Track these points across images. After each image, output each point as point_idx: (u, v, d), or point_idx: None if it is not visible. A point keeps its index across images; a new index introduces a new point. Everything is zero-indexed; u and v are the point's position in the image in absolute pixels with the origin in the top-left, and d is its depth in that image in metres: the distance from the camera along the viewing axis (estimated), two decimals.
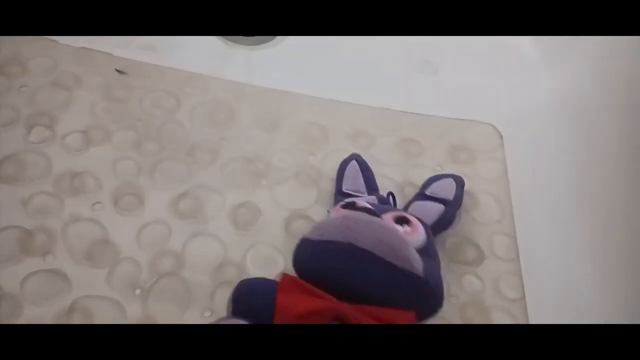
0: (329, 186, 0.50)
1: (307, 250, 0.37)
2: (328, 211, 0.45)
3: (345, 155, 0.52)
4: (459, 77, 0.60)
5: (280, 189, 0.49)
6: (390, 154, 0.53)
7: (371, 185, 0.47)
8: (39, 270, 0.41)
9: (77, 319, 0.39)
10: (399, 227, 0.38)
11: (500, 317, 0.43)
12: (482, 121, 0.57)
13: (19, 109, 0.50)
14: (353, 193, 0.46)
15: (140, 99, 0.54)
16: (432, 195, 0.46)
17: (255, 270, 0.43)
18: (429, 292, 0.36)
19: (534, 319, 0.43)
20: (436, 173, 0.51)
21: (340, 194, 0.47)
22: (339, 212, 0.40)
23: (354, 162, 0.48)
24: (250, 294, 0.38)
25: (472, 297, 0.44)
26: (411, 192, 0.49)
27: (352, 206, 0.40)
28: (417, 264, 0.35)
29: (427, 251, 0.39)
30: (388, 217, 0.39)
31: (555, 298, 0.43)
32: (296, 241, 0.45)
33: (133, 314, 0.40)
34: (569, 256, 0.44)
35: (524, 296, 0.44)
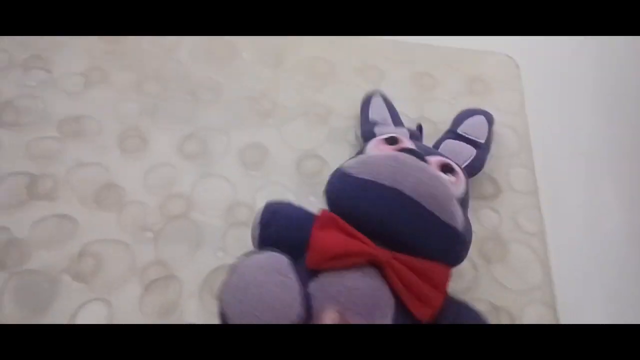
0: (339, 124, 0.48)
1: (348, 185, 0.34)
2: (362, 138, 0.43)
3: (355, 91, 0.50)
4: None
5: (288, 128, 0.47)
6: (403, 88, 0.51)
7: (397, 121, 0.45)
8: (47, 215, 0.40)
9: (88, 263, 0.39)
10: (444, 176, 0.35)
11: (518, 250, 0.42)
12: (498, 51, 0.55)
13: (13, 52, 0.48)
14: (382, 122, 0.44)
15: (138, 39, 0.51)
16: (464, 134, 0.44)
17: None
18: (463, 246, 0.34)
19: (554, 253, 0.42)
20: (451, 106, 0.49)
21: (368, 123, 0.44)
22: (381, 146, 0.38)
23: (378, 95, 0.47)
24: (282, 221, 0.35)
25: (490, 232, 0.43)
26: (427, 127, 0.47)
27: (395, 142, 0.38)
28: (459, 219, 0.33)
29: (465, 202, 0.37)
30: (434, 163, 0.37)
31: (575, 231, 0.42)
32: (308, 180, 0.44)
33: (144, 257, 0.39)
34: (590, 188, 0.43)
35: (543, 229, 0.43)
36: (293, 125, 0.48)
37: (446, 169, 0.37)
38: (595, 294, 0.39)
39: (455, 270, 0.34)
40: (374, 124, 0.44)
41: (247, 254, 0.32)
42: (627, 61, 0.44)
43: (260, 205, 0.42)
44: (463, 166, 0.40)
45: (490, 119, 0.46)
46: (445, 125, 0.48)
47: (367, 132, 0.43)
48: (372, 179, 0.33)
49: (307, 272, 0.32)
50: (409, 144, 0.38)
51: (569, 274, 0.40)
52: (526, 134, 0.48)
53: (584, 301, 0.39)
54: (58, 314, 0.36)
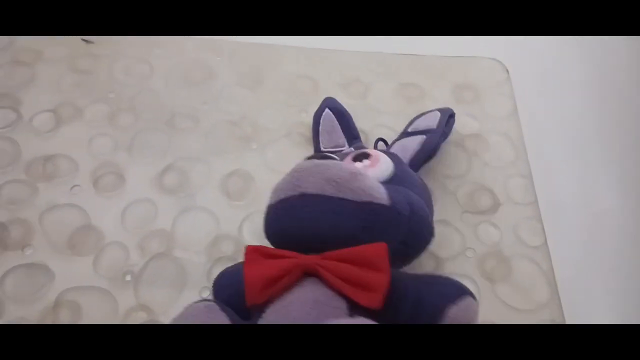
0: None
1: (269, 216, 0.33)
2: None
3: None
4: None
5: (271, 151, 0.45)
6: (389, 100, 0.49)
7: (351, 134, 0.44)
8: (18, 266, 0.38)
9: (64, 315, 0.36)
10: (358, 164, 0.35)
11: (522, 266, 0.39)
12: (485, 56, 0.53)
13: None
14: (333, 150, 0.42)
15: (110, 68, 0.49)
16: (413, 130, 0.43)
17: (255, 242, 0.40)
18: (401, 219, 0.31)
19: (558, 265, 0.39)
20: None
21: (317, 150, 0.43)
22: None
23: (327, 111, 0.44)
24: (224, 284, 0.35)
25: (491, 248, 0.40)
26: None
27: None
28: (378, 193, 0.31)
29: (399, 179, 0.35)
30: (347, 158, 0.36)
31: (579, 241, 0.40)
32: None
33: (126, 303, 0.37)
34: (591, 194, 0.41)
35: (545, 242, 0.40)
36: (276, 148, 0.45)
37: (360, 157, 0.36)
38: (603, 308, 0.37)
39: None
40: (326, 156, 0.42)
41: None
42: (620, 60, 0.42)
43: (246, 237, 0.40)
44: (412, 155, 0.40)
45: (444, 111, 0.43)
46: None
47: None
48: (280, 198, 0.32)
49: (254, 314, 0.30)
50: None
51: (575, 288, 0.38)
52: (520, 141, 0.46)
53: (592, 317, 0.37)
54: None
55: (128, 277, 0.38)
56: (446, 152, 0.45)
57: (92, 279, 0.38)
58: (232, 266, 0.36)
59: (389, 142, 0.43)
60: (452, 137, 0.46)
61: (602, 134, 0.41)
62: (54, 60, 0.49)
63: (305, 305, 0.29)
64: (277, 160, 0.45)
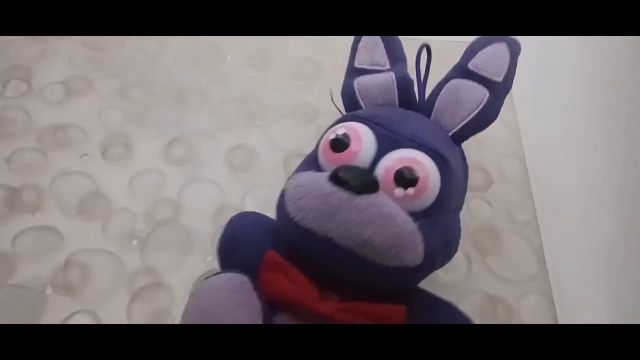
0: (327, 123, 0.47)
1: (285, 226, 0.30)
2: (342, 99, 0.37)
3: None
4: None
5: (275, 128, 0.47)
6: None
7: (395, 55, 0.36)
8: (30, 227, 0.39)
9: (74, 275, 0.37)
10: (398, 192, 0.29)
11: (513, 241, 0.41)
12: None
13: None
14: (369, 68, 0.36)
15: (121, 45, 0.51)
16: (475, 70, 0.34)
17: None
18: (432, 268, 0.30)
19: (548, 242, 0.41)
20: None
21: (350, 74, 0.37)
22: (329, 155, 0.31)
23: (371, 37, 0.37)
24: (237, 251, 0.33)
25: (483, 223, 0.42)
26: None
27: (344, 147, 0.30)
28: (416, 257, 0.28)
29: (441, 203, 0.30)
30: (388, 175, 0.29)
31: (569, 220, 0.41)
32: None
33: (132, 265, 0.38)
34: (582, 175, 0.42)
35: (535, 218, 0.42)
36: (280, 126, 0.47)
37: (404, 178, 0.29)
38: (591, 283, 0.39)
39: (448, 263, 0.33)
40: (358, 72, 0.36)
41: (208, 277, 0.31)
42: (616, 48, 0.44)
43: (249, 208, 0.42)
44: (465, 121, 0.33)
45: (514, 49, 0.35)
46: None
47: (346, 88, 0.37)
48: (302, 224, 0.28)
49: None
50: (355, 155, 0.30)
51: (564, 263, 0.40)
52: (515, 125, 0.48)
53: (580, 291, 0.38)
54: None
55: (135, 242, 0.39)
56: None
57: (101, 243, 0.39)
58: (243, 222, 0.35)
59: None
60: None
61: (596, 118, 0.43)
62: (66, 37, 0.50)
63: None
64: (280, 137, 0.46)
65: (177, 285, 0.38)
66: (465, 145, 0.46)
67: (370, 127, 0.31)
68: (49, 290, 0.37)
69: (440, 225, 0.30)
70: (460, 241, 0.40)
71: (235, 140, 0.46)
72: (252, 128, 0.46)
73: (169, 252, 0.39)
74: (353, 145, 0.30)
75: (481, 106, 0.33)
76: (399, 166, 0.29)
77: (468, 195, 0.43)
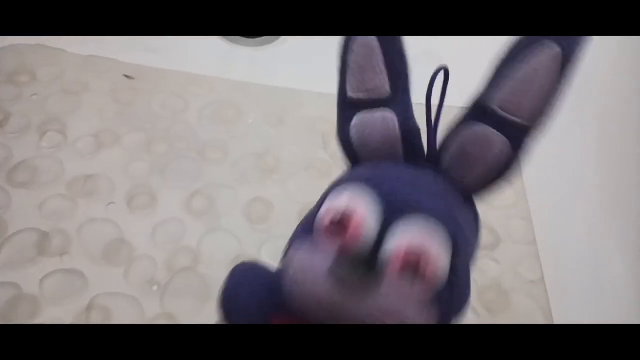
0: None
1: (289, 304, 0.26)
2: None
3: None
4: (464, 65, 0.60)
5: (291, 182, 0.49)
6: None
7: (397, 75, 0.27)
8: (57, 270, 0.41)
9: (95, 317, 0.39)
10: (405, 284, 0.23)
11: (520, 299, 0.42)
12: None
13: (30, 116, 0.51)
14: (364, 98, 0.27)
15: (148, 102, 0.54)
16: (501, 113, 0.25)
17: (272, 263, 0.43)
18: None
19: (555, 302, 0.42)
20: None
21: (344, 108, 0.28)
22: (325, 238, 0.25)
23: (360, 40, 0.27)
24: (239, 313, 0.31)
25: (491, 281, 0.43)
26: None
27: (343, 229, 0.24)
28: None
29: (453, 281, 0.25)
30: (394, 264, 0.24)
31: (576, 278, 0.43)
32: None
33: (151, 311, 0.40)
34: (590, 236, 0.44)
35: (542, 277, 0.43)
36: (296, 180, 0.49)
37: (412, 269, 0.23)
38: None
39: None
40: (353, 107, 0.28)
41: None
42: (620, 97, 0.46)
43: (265, 258, 0.44)
44: (493, 175, 0.27)
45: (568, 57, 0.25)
46: None
47: (342, 134, 0.29)
48: (306, 311, 0.25)
49: None
50: (358, 236, 0.24)
51: (571, 321, 0.41)
52: (521, 185, 0.50)
53: None
54: None
55: (155, 288, 0.41)
56: None
57: (123, 287, 0.41)
58: (237, 285, 0.33)
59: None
60: None
61: (602, 178, 0.45)
62: (99, 92, 0.54)
63: None
64: (296, 190, 0.49)
65: None
66: None
67: (371, 197, 0.25)
68: None
69: (450, 305, 0.26)
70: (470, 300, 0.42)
71: (253, 193, 0.48)
72: (269, 182, 0.49)
73: (187, 299, 0.41)
74: (353, 225, 0.25)
75: (497, 166, 0.26)
76: (410, 256, 0.24)
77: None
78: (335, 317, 0.24)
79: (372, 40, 0.26)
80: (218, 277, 0.42)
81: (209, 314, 0.40)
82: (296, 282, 0.25)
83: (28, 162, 0.47)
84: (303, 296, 0.25)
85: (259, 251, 0.44)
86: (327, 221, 0.25)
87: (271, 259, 0.44)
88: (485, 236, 0.46)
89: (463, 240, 0.26)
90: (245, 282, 0.34)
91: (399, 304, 0.24)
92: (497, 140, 0.26)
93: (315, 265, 0.25)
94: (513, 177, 0.27)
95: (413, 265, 0.23)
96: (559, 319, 0.41)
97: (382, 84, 0.27)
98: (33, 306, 0.39)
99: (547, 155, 0.53)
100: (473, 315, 0.41)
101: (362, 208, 0.25)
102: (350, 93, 0.28)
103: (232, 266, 0.43)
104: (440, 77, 0.27)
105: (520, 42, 0.25)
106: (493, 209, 0.48)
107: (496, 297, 0.43)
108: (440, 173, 0.28)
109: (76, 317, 0.39)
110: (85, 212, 0.45)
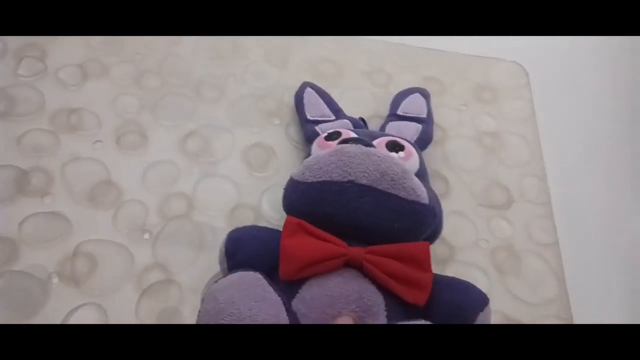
0: None
1: (302, 193, 0.32)
2: (306, 141, 0.42)
3: (362, 93, 0.49)
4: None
5: (294, 128, 0.46)
6: None
7: (334, 107, 0.44)
8: (37, 213, 0.37)
9: (81, 265, 0.36)
10: (393, 155, 0.35)
11: (532, 262, 0.40)
12: (507, 58, 0.54)
13: (6, 39, 0.46)
14: (321, 119, 0.43)
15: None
16: (404, 114, 0.44)
17: (272, 213, 0.41)
18: (435, 218, 0.33)
19: (568, 264, 0.40)
20: (460, 113, 0.49)
21: (307, 124, 0.43)
22: (325, 144, 0.37)
23: (308, 89, 0.45)
24: (247, 246, 0.33)
25: (502, 242, 0.41)
26: (435, 134, 0.45)
27: (337, 136, 0.37)
28: (422, 192, 0.32)
29: (423, 174, 0.37)
30: (380, 144, 0.36)
31: (592, 241, 0.41)
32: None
33: (142, 260, 0.37)
34: (606, 197, 0.42)
35: (557, 241, 0.41)
36: (299, 126, 0.46)
37: (393, 146, 0.36)
38: (612, 307, 0.38)
39: (468, 280, 0.33)
40: (314, 122, 0.43)
41: (217, 280, 0.30)
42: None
43: (265, 207, 0.41)
44: (413, 141, 0.40)
45: (425, 94, 0.46)
46: (455, 132, 0.47)
47: (309, 133, 0.42)
48: (323, 180, 0.31)
49: (285, 291, 0.30)
50: (352, 134, 0.37)
51: (585, 287, 0.39)
52: (537, 143, 0.47)
53: (601, 316, 0.38)
54: (47, 319, 0.34)
55: (146, 236, 0.38)
56: (463, 147, 0.46)
57: (110, 234, 0.38)
58: (246, 228, 0.35)
59: (367, 121, 0.45)
60: (470, 132, 0.47)
61: (619, 139, 0.43)
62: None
63: (348, 297, 0.29)
64: (298, 137, 0.45)
65: (188, 283, 0.37)
66: (486, 161, 0.45)
67: (350, 129, 0.40)
68: (54, 280, 0.35)
69: (429, 188, 0.35)
70: (480, 258, 0.40)
71: (253, 137, 0.44)
72: (270, 126, 0.45)
73: (180, 248, 0.38)
74: (345, 134, 0.37)
75: (419, 133, 0.42)
76: (386, 141, 0.37)
77: (488, 213, 0.43)
78: (349, 166, 0.31)
79: (315, 95, 0.45)
80: (214, 227, 0.39)
81: (204, 265, 0.37)
82: (309, 166, 0.32)
83: (4, 90, 0.43)
84: (320, 170, 0.31)
85: (259, 200, 0.41)
86: (322, 138, 0.38)
87: (272, 210, 0.41)
88: (498, 195, 0.43)
89: (420, 154, 0.39)
90: (247, 230, 0.35)
91: (388, 154, 0.33)
92: (409, 125, 0.43)
93: (324, 151, 0.33)
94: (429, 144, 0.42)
95: (395, 144, 0.37)
96: (571, 284, 0.40)
97: (329, 113, 0.44)
98: (11, 250, 0.36)
99: (564, 113, 0.50)
100: (482, 275, 0.40)
101: (347, 129, 0.39)
102: (310, 116, 0.44)
103: (230, 215, 0.40)
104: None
105: (402, 91, 0.47)
106: (506, 167, 0.45)
107: (507, 258, 0.41)
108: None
109: (59, 264, 0.36)
110: (69, 150, 0.41)
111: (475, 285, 0.32)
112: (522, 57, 0.53)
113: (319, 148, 0.38)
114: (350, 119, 0.43)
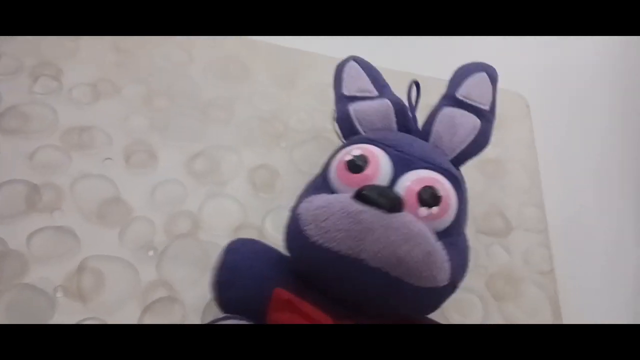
0: None
1: (304, 251, 0.29)
2: (337, 124, 0.37)
3: None
4: (482, 42, 0.57)
5: (299, 151, 0.47)
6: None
7: (379, 82, 0.37)
8: (47, 227, 0.38)
9: (87, 279, 0.37)
10: (422, 211, 0.29)
11: (529, 289, 0.41)
12: (508, 89, 0.55)
13: (23, 58, 0.47)
14: (359, 95, 0.36)
15: (150, 52, 0.51)
16: (464, 99, 0.35)
17: (275, 234, 0.41)
18: (453, 290, 0.30)
19: (564, 293, 0.41)
20: None
21: (341, 101, 0.37)
22: (346, 178, 0.31)
23: (352, 62, 0.38)
24: (237, 285, 0.32)
25: (501, 269, 0.42)
26: None
27: (361, 168, 0.30)
28: (443, 276, 0.28)
29: (457, 223, 0.30)
30: (411, 194, 0.29)
31: (586, 270, 0.42)
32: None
33: (147, 276, 0.38)
34: (606, 227, 0.43)
35: (553, 269, 0.42)
36: (304, 149, 0.47)
37: (427, 197, 0.29)
38: None
39: (464, 306, 0.33)
40: (349, 99, 0.37)
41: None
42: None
43: (269, 229, 0.42)
44: (464, 146, 0.34)
45: (493, 76, 0.37)
46: None
47: (341, 114, 0.36)
48: (328, 247, 0.27)
49: None
50: (378, 171, 0.30)
51: (581, 316, 0.40)
52: (536, 171, 0.48)
53: None
54: None
55: (151, 253, 0.39)
56: (465, 171, 0.47)
57: (117, 250, 0.39)
58: (243, 255, 0.34)
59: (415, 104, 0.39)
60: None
61: (622, 168, 0.43)
62: (98, 38, 0.50)
63: None
64: (303, 161, 0.46)
65: (191, 301, 0.37)
66: (487, 187, 0.46)
67: (382, 148, 0.32)
68: (59, 294, 0.36)
69: (458, 246, 0.30)
70: (477, 284, 0.41)
71: (259, 159, 0.45)
72: (276, 148, 0.46)
73: (185, 267, 0.39)
74: (371, 166, 0.30)
75: (476, 132, 0.34)
76: (420, 186, 0.29)
77: (487, 240, 0.43)
78: (363, 242, 0.27)
79: (358, 67, 0.38)
80: (218, 246, 0.40)
81: (208, 285, 0.38)
82: (317, 219, 0.28)
83: (18, 107, 0.44)
84: (327, 232, 0.27)
85: (262, 220, 0.42)
86: (343, 164, 0.31)
87: (275, 231, 0.41)
88: (496, 223, 0.44)
89: (462, 193, 0.31)
90: (245, 254, 0.34)
91: (422, 227, 0.28)
92: (468, 117, 0.35)
93: (339, 198, 0.28)
94: (484, 149, 0.35)
95: (430, 195, 0.29)
96: (567, 312, 0.40)
97: (372, 89, 0.37)
98: (20, 264, 0.37)
99: (565, 142, 0.51)
100: (479, 300, 0.40)
101: (375, 153, 0.31)
102: (347, 92, 0.37)
103: (235, 235, 0.41)
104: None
105: (465, 66, 0.38)
106: (506, 195, 0.46)
107: (504, 285, 0.41)
108: (427, 142, 0.35)
109: (66, 279, 0.37)
110: (80, 167, 0.42)
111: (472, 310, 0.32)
112: (523, 87, 0.55)
113: (338, 178, 0.31)
114: (395, 102, 0.36)
